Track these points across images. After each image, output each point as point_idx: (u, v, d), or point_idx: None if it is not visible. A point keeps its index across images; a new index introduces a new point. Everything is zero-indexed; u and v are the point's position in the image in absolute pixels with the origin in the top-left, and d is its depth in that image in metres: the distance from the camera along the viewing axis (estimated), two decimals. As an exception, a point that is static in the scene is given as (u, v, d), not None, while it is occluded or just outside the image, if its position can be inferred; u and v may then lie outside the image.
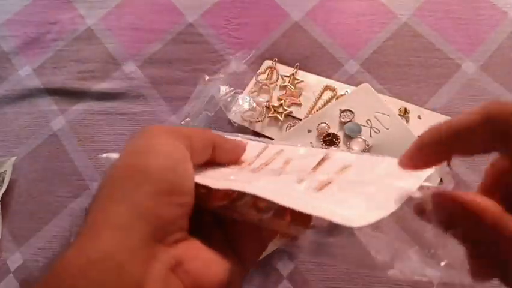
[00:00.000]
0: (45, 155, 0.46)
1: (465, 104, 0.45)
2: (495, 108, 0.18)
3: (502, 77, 0.46)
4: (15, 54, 0.54)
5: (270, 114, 0.45)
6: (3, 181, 0.44)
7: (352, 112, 0.42)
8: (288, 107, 0.46)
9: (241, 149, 0.27)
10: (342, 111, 0.43)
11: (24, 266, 0.41)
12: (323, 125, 0.42)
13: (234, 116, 0.46)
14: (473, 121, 0.19)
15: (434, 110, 0.45)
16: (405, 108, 0.44)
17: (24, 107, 0.50)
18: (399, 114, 0.43)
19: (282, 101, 0.46)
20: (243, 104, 0.46)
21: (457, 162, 0.42)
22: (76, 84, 0.50)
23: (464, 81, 0.46)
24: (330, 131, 0.42)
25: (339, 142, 0.41)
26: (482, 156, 0.19)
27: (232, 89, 0.47)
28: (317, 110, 0.45)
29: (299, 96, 0.46)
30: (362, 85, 0.44)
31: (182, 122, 0.45)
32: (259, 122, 0.45)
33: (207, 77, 0.48)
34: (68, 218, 0.43)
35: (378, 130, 0.42)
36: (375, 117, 0.42)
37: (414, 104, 0.45)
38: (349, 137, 0.42)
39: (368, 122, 0.42)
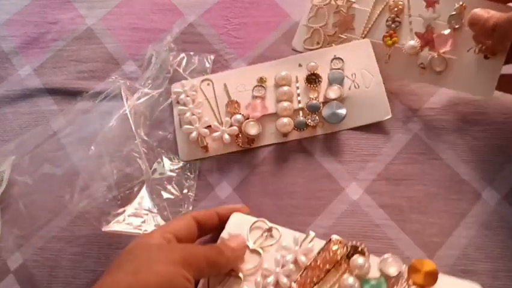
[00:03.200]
0: (45, 155, 0.46)
1: (465, 104, 0.45)
2: None
3: (502, 76, 0.46)
4: (15, 54, 0.54)
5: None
6: (2, 180, 0.44)
7: (342, 61, 0.45)
8: (342, 34, 0.46)
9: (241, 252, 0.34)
10: (334, 58, 0.45)
11: (24, 266, 0.41)
12: (313, 63, 0.44)
13: (297, 44, 0.47)
14: None
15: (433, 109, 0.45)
16: None
17: (24, 107, 0.50)
18: None
19: (337, 29, 0.46)
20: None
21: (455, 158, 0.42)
22: (76, 84, 0.50)
23: (464, 81, 0.46)
24: (318, 71, 0.44)
25: (319, 83, 0.44)
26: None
27: (180, 52, 0.49)
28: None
29: (353, 20, 0.46)
30: (363, 40, 0.45)
31: (146, 90, 0.47)
32: (320, 48, 0.46)
33: (154, 49, 0.50)
34: (68, 218, 0.43)
35: (358, 86, 0.44)
36: (361, 74, 0.44)
37: (414, 104, 0.45)
38: (330, 84, 0.44)
39: (353, 75, 0.44)
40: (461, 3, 0.41)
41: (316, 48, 0.46)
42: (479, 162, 0.42)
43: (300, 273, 0.33)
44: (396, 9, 0.43)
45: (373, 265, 0.34)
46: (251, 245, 0.35)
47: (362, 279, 0.33)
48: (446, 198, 0.40)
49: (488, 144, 0.43)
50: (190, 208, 0.42)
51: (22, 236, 0.42)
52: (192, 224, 0.35)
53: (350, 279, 0.32)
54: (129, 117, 0.44)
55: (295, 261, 0.34)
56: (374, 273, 0.33)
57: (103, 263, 0.40)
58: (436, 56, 0.42)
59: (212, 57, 0.50)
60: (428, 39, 0.42)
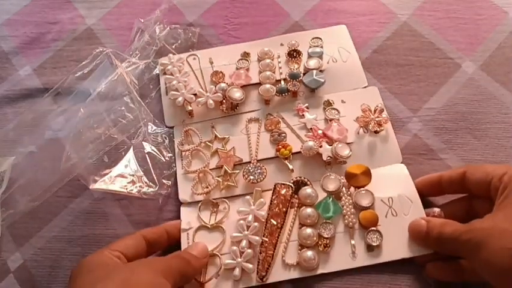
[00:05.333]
0: (45, 155, 0.46)
1: (465, 104, 0.45)
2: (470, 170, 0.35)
3: (502, 76, 0.46)
4: (15, 54, 0.54)
5: None
6: (2, 180, 0.44)
7: (321, 40, 0.49)
8: (232, 170, 0.43)
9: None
10: (314, 38, 0.49)
11: (24, 266, 0.41)
12: (294, 42, 0.49)
13: (186, 196, 0.42)
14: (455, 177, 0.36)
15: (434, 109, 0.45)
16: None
17: (24, 107, 0.50)
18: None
19: (224, 168, 0.43)
20: None
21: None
22: (76, 84, 0.50)
23: (464, 81, 0.46)
24: (299, 49, 0.48)
25: (300, 57, 0.47)
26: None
27: (166, 26, 0.52)
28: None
29: (234, 153, 0.44)
30: (340, 26, 0.51)
31: (134, 59, 0.49)
32: (209, 191, 0.42)
33: (142, 20, 0.52)
34: (68, 218, 0.43)
35: (336, 60, 0.48)
36: (339, 51, 0.48)
37: (414, 104, 0.45)
38: (310, 57, 0.47)
39: (331, 52, 0.48)
40: (325, 100, 0.45)
41: (206, 193, 0.41)
42: (479, 162, 0.42)
43: (264, 225, 0.37)
44: (273, 126, 0.44)
45: (319, 190, 0.39)
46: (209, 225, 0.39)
47: (315, 205, 0.38)
48: (446, 199, 0.40)
49: (488, 144, 0.43)
50: (174, 170, 0.43)
51: (22, 236, 0.42)
52: (141, 242, 0.35)
53: (308, 210, 0.38)
54: (125, 77, 0.46)
55: (256, 219, 0.38)
56: (322, 195, 0.39)
57: (103, 263, 0.40)
58: (339, 145, 0.41)
59: (198, 31, 0.51)
60: (320, 135, 0.42)
